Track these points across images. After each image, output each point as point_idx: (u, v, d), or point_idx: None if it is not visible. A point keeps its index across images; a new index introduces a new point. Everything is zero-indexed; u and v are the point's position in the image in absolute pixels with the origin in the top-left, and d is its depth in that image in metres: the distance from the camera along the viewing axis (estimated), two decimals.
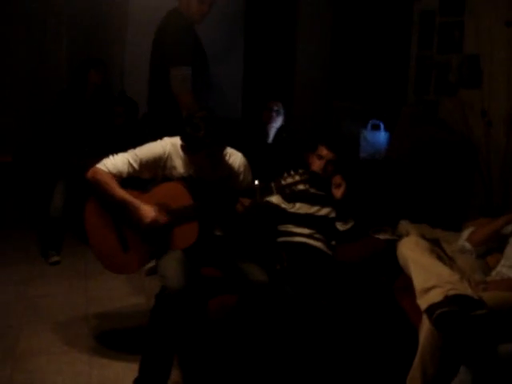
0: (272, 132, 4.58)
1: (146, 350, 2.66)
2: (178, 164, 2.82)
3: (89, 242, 2.90)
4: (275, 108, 4.57)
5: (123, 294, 3.89)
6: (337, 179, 3.30)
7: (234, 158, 2.90)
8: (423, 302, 2.45)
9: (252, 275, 2.69)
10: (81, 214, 2.90)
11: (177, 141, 2.78)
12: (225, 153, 2.84)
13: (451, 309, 2.32)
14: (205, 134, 2.62)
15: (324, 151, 3.29)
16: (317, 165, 3.30)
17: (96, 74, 4.58)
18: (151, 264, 3.76)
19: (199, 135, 2.62)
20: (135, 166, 2.77)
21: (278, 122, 4.59)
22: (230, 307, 2.78)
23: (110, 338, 3.31)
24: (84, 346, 3.18)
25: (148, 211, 2.70)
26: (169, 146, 2.82)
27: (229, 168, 2.88)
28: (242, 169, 2.91)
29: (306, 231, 3.23)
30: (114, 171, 2.74)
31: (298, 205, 3.31)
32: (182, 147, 2.74)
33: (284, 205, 3.30)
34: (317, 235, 3.23)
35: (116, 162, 2.76)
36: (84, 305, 3.71)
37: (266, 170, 3.06)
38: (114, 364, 3.00)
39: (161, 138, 2.88)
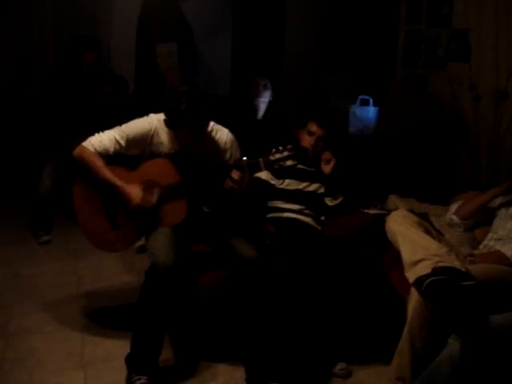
0: (261, 108, 4.62)
1: (136, 326, 2.67)
2: (165, 140, 2.81)
3: (78, 221, 2.90)
4: (262, 83, 4.61)
5: (114, 272, 3.90)
6: (326, 155, 3.29)
7: (221, 134, 2.89)
8: (411, 275, 2.47)
9: (241, 251, 2.69)
10: (70, 193, 2.90)
11: (163, 116, 2.77)
12: (211, 129, 2.83)
13: (441, 277, 2.34)
14: (186, 109, 2.60)
15: (314, 127, 3.27)
16: (307, 141, 3.29)
17: (92, 55, 4.52)
18: (141, 242, 3.76)
19: (181, 109, 2.61)
20: (122, 142, 2.75)
21: (266, 97, 4.64)
22: (220, 283, 2.79)
23: (102, 315, 3.32)
24: (76, 325, 3.19)
25: (134, 193, 2.70)
26: (155, 121, 2.81)
27: (215, 144, 2.87)
28: (228, 145, 2.90)
29: (295, 207, 3.24)
30: (100, 149, 2.73)
31: (287, 181, 3.31)
32: (165, 122, 2.73)
33: (273, 181, 3.30)
34: (306, 211, 3.24)
35: (102, 140, 2.74)
36: (75, 283, 3.71)
37: (255, 146, 3.05)
38: (106, 341, 3.02)
39: (147, 114, 2.86)
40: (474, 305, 2.31)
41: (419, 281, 2.40)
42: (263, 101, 4.64)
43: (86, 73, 4.53)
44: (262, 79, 4.65)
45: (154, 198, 2.72)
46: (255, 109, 4.64)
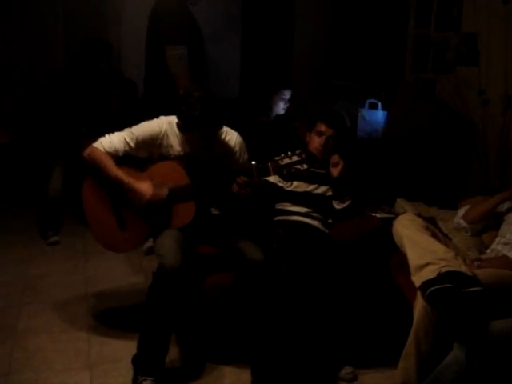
0: (271, 116, 4.65)
1: (143, 327, 2.68)
2: (175, 142, 2.83)
3: (87, 221, 2.92)
4: (283, 96, 4.62)
5: (122, 273, 3.92)
6: (334, 158, 3.30)
7: (230, 136, 2.90)
8: (417, 279, 2.47)
9: (248, 253, 2.70)
10: (79, 194, 2.92)
11: (173, 119, 2.79)
12: (221, 132, 2.84)
13: (444, 286, 2.34)
14: (200, 114, 2.62)
15: (323, 127, 3.27)
16: (317, 142, 3.28)
17: (107, 64, 4.56)
18: (150, 243, 3.79)
19: (194, 115, 2.62)
20: (132, 144, 2.78)
21: (279, 110, 4.65)
22: (227, 285, 2.80)
23: (109, 316, 3.35)
24: (83, 325, 3.22)
25: (145, 188, 2.72)
26: (165, 124, 2.83)
27: (224, 147, 2.88)
28: (237, 148, 2.91)
29: (303, 210, 3.24)
30: (110, 150, 2.76)
31: (295, 183, 3.31)
32: (178, 125, 2.75)
33: (281, 183, 3.31)
34: (314, 214, 3.24)
35: (112, 141, 2.77)
36: (83, 284, 3.74)
37: (264, 150, 3.06)
38: (113, 342, 3.04)
39: (157, 117, 2.88)
40: (476, 312, 2.31)
41: (424, 285, 2.40)
42: (279, 112, 4.67)
43: (97, 76, 4.56)
44: (286, 92, 4.67)
45: (164, 193, 2.73)
46: (269, 113, 4.67)
